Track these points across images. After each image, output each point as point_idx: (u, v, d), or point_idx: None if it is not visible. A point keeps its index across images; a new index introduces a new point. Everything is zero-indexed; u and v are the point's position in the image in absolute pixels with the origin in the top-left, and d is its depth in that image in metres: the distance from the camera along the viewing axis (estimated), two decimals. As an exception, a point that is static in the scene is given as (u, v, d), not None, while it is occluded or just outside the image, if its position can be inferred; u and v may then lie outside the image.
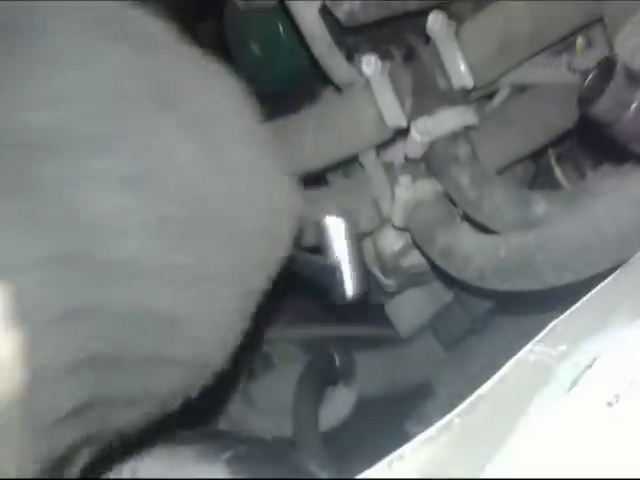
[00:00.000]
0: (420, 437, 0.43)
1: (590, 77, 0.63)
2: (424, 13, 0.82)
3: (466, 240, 0.75)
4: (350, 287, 0.80)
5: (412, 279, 1.03)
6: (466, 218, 0.82)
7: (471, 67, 0.79)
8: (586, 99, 0.62)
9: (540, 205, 0.71)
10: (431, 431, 0.42)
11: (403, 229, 0.90)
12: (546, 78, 0.88)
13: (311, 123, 0.89)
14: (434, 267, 0.89)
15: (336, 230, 0.80)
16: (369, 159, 0.90)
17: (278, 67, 1.45)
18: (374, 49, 0.96)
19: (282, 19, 1.22)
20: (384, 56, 0.89)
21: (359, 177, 0.96)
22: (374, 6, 0.93)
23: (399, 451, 0.42)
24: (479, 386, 0.45)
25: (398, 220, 0.88)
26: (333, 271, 0.79)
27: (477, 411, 0.43)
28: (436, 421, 0.43)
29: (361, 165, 0.93)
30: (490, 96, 0.93)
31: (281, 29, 1.25)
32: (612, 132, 0.62)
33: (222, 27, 1.34)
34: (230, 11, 1.23)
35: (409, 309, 1.12)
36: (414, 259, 0.97)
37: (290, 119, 0.92)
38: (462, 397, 0.45)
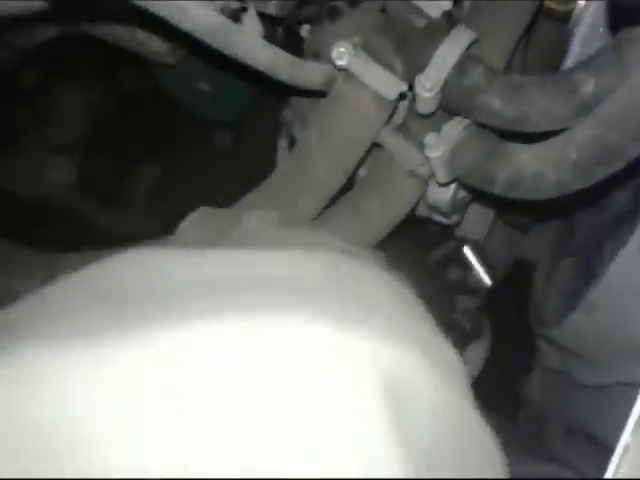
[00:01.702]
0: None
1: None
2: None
3: (528, 161, 0.68)
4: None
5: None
6: (509, 136, 0.74)
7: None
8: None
9: (588, 82, 0.63)
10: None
11: (451, 183, 0.82)
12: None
13: (314, 140, 0.81)
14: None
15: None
16: (386, 137, 0.82)
17: (234, 97, 1.40)
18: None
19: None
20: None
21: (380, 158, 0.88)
22: None
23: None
24: None
25: (442, 177, 0.80)
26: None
27: None
28: None
29: (379, 145, 0.85)
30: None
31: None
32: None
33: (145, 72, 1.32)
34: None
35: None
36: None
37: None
38: None
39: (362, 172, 0.88)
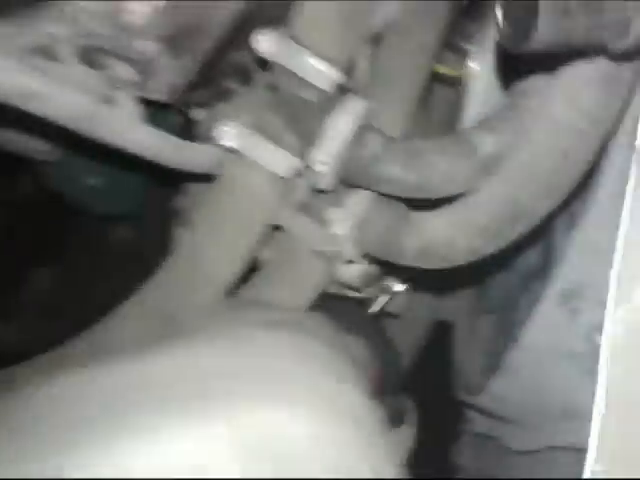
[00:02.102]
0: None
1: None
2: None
3: (437, 228, 0.65)
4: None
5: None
6: (415, 203, 0.72)
7: (328, 59, 0.67)
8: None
9: (486, 142, 0.61)
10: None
11: (359, 258, 0.78)
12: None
13: (204, 227, 0.75)
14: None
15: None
16: (286, 218, 0.77)
17: (126, 190, 1.33)
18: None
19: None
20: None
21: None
22: (187, 68, 0.81)
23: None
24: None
25: (350, 254, 0.76)
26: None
27: None
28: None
29: (279, 227, 0.80)
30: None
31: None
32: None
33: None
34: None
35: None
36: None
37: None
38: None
39: (265, 255, 0.82)
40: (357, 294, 0.94)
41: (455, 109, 0.91)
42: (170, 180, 0.87)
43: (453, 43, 0.93)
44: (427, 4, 0.75)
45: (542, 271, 0.95)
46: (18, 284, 1.82)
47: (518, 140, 0.57)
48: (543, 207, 0.57)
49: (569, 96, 0.51)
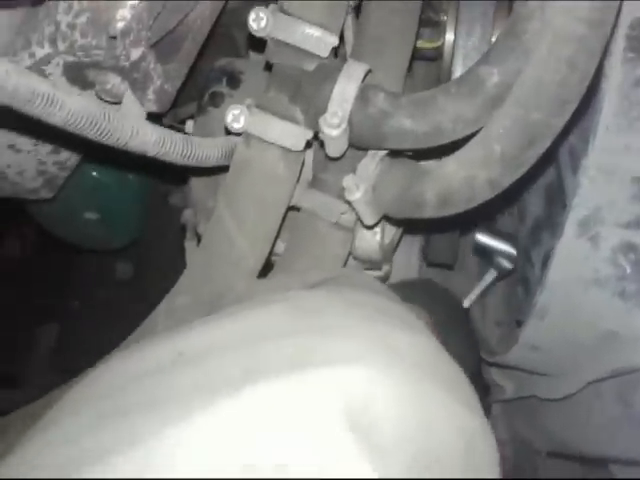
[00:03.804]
0: None
1: None
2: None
3: (454, 170, 0.64)
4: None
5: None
6: (425, 155, 0.71)
7: (321, 25, 0.67)
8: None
9: (492, 73, 0.60)
10: None
11: (379, 221, 0.77)
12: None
13: (225, 214, 0.73)
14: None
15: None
16: (300, 197, 0.76)
17: (124, 221, 1.32)
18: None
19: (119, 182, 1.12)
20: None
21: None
22: (177, 72, 0.81)
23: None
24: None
25: (370, 218, 0.75)
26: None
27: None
28: None
29: (295, 208, 0.79)
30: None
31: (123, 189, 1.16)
32: None
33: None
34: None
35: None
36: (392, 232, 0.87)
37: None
38: None
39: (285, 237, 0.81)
40: (377, 272, 0.93)
41: (439, 83, 0.92)
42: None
43: (428, 18, 0.94)
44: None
45: (547, 219, 0.95)
46: (27, 344, 1.77)
47: (523, 63, 0.56)
48: (557, 123, 0.57)
49: (565, 5, 0.52)
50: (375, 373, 0.47)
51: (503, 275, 1.05)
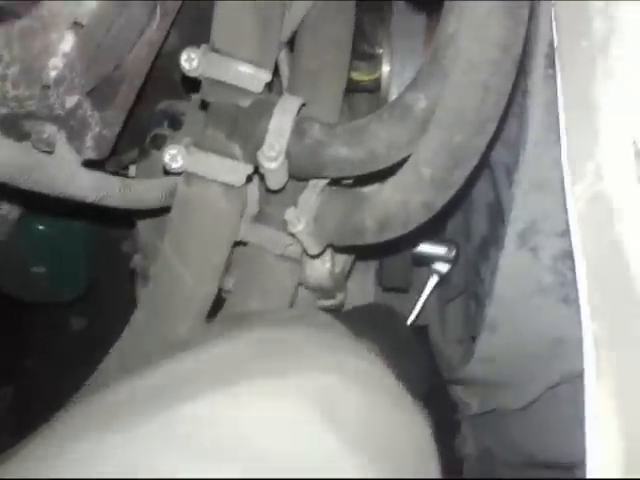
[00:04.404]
0: None
1: None
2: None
3: (389, 195, 0.66)
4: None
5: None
6: (366, 182, 0.72)
7: (253, 62, 0.68)
8: None
9: (419, 99, 0.62)
10: None
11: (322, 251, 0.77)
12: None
13: (171, 255, 0.73)
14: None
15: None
16: (246, 231, 0.76)
17: (70, 272, 1.29)
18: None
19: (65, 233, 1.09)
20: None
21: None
22: (114, 119, 0.81)
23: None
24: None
25: (314, 248, 0.75)
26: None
27: None
28: None
29: (243, 243, 0.78)
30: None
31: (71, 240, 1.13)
32: None
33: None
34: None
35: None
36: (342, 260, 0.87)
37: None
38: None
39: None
40: (331, 302, 0.93)
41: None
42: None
43: (364, 51, 0.97)
44: (335, 3, 0.79)
45: (493, 235, 0.98)
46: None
47: (444, 88, 0.58)
48: (479, 143, 0.59)
49: (476, 29, 0.54)
50: (345, 381, 0.53)
51: (443, 278, 1.06)
